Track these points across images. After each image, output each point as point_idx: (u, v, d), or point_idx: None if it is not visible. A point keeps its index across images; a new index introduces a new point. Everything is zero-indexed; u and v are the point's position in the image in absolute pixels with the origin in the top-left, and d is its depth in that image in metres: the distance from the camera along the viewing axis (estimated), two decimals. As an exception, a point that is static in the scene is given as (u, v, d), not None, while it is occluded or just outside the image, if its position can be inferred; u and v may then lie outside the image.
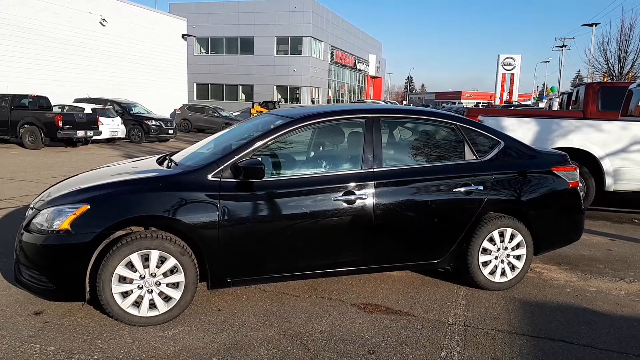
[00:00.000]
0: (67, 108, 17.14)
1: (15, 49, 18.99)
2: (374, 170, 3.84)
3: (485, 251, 4.11)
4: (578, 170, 4.52)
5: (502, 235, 4.14)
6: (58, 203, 3.36)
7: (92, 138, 16.15)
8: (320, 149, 4.56)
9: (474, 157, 4.14)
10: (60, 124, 14.67)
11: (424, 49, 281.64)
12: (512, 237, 4.17)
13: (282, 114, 4.22)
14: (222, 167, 3.53)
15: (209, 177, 3.50)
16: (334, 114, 4.05)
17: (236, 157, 3.57)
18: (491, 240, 4.11)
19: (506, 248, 4.17)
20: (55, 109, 16.54)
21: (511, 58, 54.46)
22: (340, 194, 3.70)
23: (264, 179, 3.55)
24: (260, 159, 3.57)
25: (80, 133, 15.37)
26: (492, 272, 4.16)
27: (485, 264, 4.13)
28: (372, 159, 3.86)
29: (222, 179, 3.51)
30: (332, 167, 4.04)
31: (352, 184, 3.75)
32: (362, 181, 3.78)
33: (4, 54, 18.63)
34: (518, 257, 4.21)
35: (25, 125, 14.73)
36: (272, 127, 3.86)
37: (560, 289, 4.29)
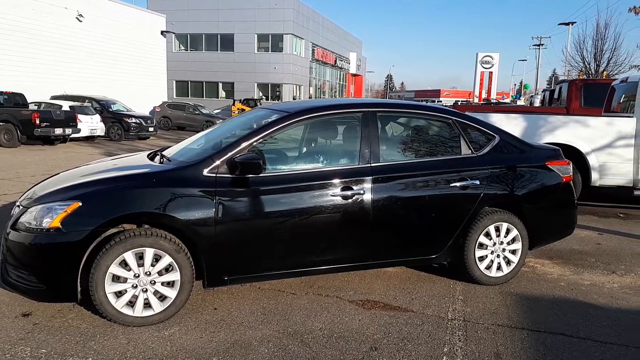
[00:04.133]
0: (43, 105, 16.72)
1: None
2: (371, 165, 3.79)
3: (482, 246, 4.10)
4: (572, 165, 4.55)
5: (497, 229, 4.14)
6: (47, 200, 3.22)
7: (71, 136, 15.79)
8: (317, 144, 4.50)
9: (470, 152, 4.13)
10: (38, 122, 14.29)
11: (404, 48, 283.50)
12: (507, 231, 4.17)
13: (277, 108, 4.13)
14: (218, 162, 3.44)
15: (205, 172, 3.40)
16: (330, 108, 3.99)
17: (232, 152, 3.48)
18: (487, 235, 4.11)
19: (502, 243, 4.17)
20: (32, 106, 16.10)
21: (489, 56, 55.09)
22: (338, 190, 3.64)
23: (260, 175, 3.47)
24: (257, 154, 3.49)
25: (59, 131, 14.99)
26: (489, 267, 4.16)
27: (482, 258, 4.12)
28: (369, 153, 3.81)
29: (218, 175, 3.41)
30: (329, 162, 3.97)
31: (349, 179, 3.69)
32: (359, 176, 3.73)
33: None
34: (514, 252, 4.22)
35: (1, 123, 14.30)
36: (267, 121, 3.78)
37: (554, 283, 4.31)
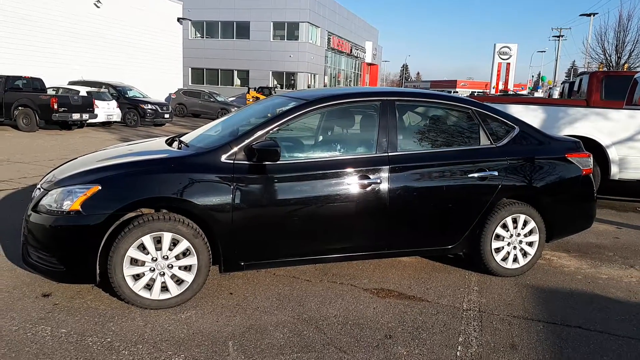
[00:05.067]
0: (61, 90, 16.85)
1: (7, 30, 18.61)
2: (389, 154, 3.77)
3: (498, 237, 4.08)
4: (592, 158, 4.48)
5: (515, 221, 4.11)
6: (67, 183, 3.27)
7: (88, 121, 15.93)
8: (334, 132, 4.48)
9: (489, 143, 4.09)
10: (56, 107, 14.43)
11: (421, 38, 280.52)
12: (525, 223, 4.13)
13: (295, 95, 4.13)
14: (236, 148, 3.45)
15: (223, 158, 3.42)
16: (349, 97, 3.97)
17: (250, 139, 3.49)
18: (504, 226, 4.08)
19: (519, 234, 4.14)
20: (50, 92, 16.26)
21: (507, 47, 54.25)
22: (354, 178, 3.63)
23: (277, 162, 3.47)
24: (274, 141, 3.49)
25: (76, 116, 15.13)
26: (505, 259, 4.13)
27: (498, 250, 4.09)
28: (386, 143, 3.79)
29: (235, 161, 3.42)
30: (346, 150, 3.96)
31: (366, 168, 3.68)
32: (377, 165, 3.71)
33: (-4, 35, 18.28)
34: (530, 244, 4.18)
35: (20, 107, 14.46)
36: (285, 109, 3.77)
37: (571, 276, 4.27)
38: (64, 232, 3.14)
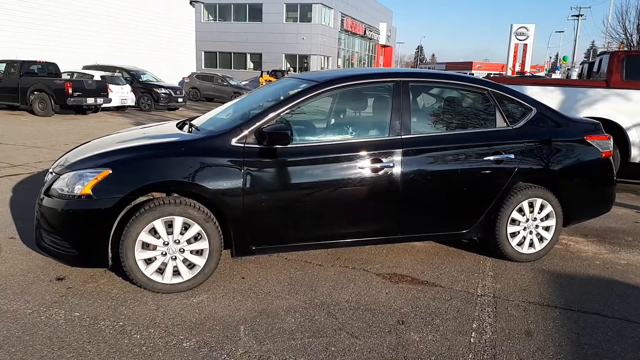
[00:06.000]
0: (75, 75, 16.92)
1: (22, 15, 18.69)
2: (402, 137, 3.69)
3: (514, 222, 4.00)
4: (612, 140, 4.35)
5: (531, 205, 4.02)
6: (78, 167, 3.26)
7: (102, 105, 16.01)
8: (346, 115, 4.41)
9: (505, 125, 3.98)
10: (70, 91, 14.53)
11: (436, 19, 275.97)
12: (541, 207, 4.04)
13: (306, 77, 4.05)
14: (246, 132, 3.41)
15: (233, 142, 3.37)
16: (361, 78, 3.88)
17: (261, 122, 3.43)
18: (520, 210, 3.99)
19: (535, 219, 4.05)
20: (64, 76, 16.35)
21: (524, 28, 53.07)
22: (367, 162, 3.57)
23: (288, 145, 3.42)
24: (285, 124, 3.43)
25: (90, 100, 15.22)
26: (520, 244, 4.05)
27: (514, 234, 4.02)
28: (399, 125, 3.71)
29: (246, 145, 3.38)
30: (358, 133, 3.90)
31: (379, 152, 3.61)
32: (389, 148, 3.64)
33: (10, 20, 18.34)
34: (547, 228, 4.10)
35: (35, 92, 14.58)
36: (296, 91, 3.70)
37: (589, 262, 4.19)
38: (76, 216, 3.14)
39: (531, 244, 4.08)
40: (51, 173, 3.49)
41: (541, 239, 4.10)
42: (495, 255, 4.13)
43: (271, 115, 3.48)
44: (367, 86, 3.94)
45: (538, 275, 3.85)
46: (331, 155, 3.53)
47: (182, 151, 3.33)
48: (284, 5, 40.02)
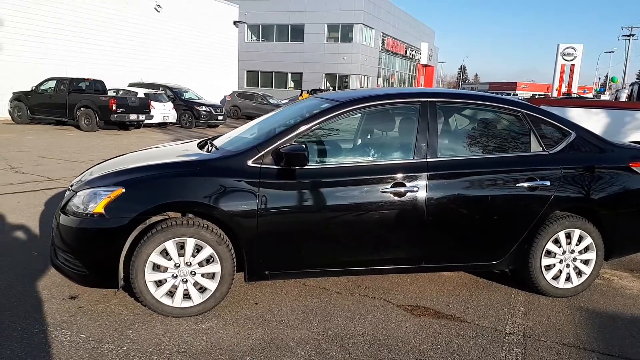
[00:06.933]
0: (121, 92, 17.51)
1: (73, 33, 19.57)
2: (428, 160, 3.50)
3: (549, 254, 3.71)
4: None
5: (568, 236, 3.73)
6: (95, 185, 3.24)
7: (144, 122, 16.44)
8: (369, 136, 4.26)
9: (541, 149, 3.73)
10: (114, 108, 14.98)
11: (479, 38, 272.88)
12: (580, 239, 3.74)
13: (329, 97, 3.94)
14: (263, 152, 3.30)
15: (249, 162, 3.28)
16: (385, 98, 3.73)
17: (278, 143, 3.33)
18: (556, 241, 3.71)
19: (573, 251, 3.75)
20: (110, 93, 16.92)
21: (572, 48, 51.54)
22: (389, 186, 3.39)
23: (307, 167, 3.29)
24: (304, 145, 3.31)
25: (133, 117, 15.65)
26: (556, 277, 3.75)
27: (549, 267, 3.73)
28: (425, 147, 3.53)
29: (262, 165, 3.28)
30: (381, 155, 3.74)
31: (403, 175, 3.43)
32: (414, 172, 3.46)
33: (64, 38, 19.23)
34: (586, 262, 3.78)
35: (82, 108, 15.12)
36: (317, 111, 3.59)
37: (634, 300, 3.83)
38: (88, 235, 3.10)
39: (568, 278, 3.77)
40: (70, 189, 3.49)
41: (579, 273, 3.79)
42: (528, 289, 3.84)
43: (290, 135, 3.37)
44: (391, 107, 3.79)
45: (575, 313, 3.54)
46: (352, 178, 3.38)
47: (197, 171, 3.26)
48: (326, 25, 40.42)
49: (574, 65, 51.92)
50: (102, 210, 3.05)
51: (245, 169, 3.26)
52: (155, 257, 3.11)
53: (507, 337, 3.14)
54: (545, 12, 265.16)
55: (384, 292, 3.76)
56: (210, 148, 3.77)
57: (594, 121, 6.48)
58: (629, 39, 43.39)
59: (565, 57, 51.89)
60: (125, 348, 2.79)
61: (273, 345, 2.91)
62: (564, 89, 49.18)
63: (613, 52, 60.05)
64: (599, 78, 70.29)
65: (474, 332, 3.19)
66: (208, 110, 19.41)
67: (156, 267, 3.14)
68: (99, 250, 3.10)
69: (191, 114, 19.20)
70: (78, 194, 3.25)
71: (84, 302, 3.34)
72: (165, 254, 3.14)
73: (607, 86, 55.21)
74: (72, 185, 3.54)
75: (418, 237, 3.51)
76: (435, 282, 4.00)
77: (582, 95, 45.81)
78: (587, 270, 3.79)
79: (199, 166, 3.32)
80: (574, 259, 3.76)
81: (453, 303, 3.62)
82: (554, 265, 3.74)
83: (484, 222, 3.58)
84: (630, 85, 20.44)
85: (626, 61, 43.19)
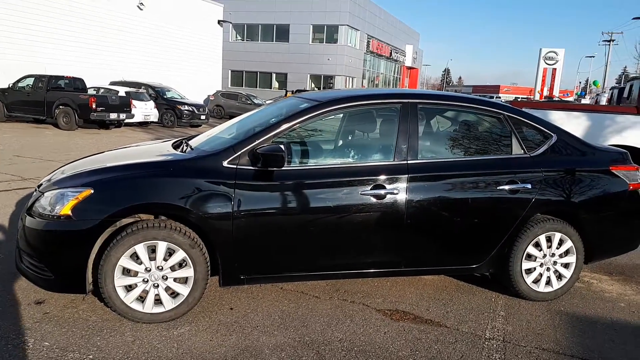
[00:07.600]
0: (101, 90, 17.21)
1: (55, 31, 19.19)
2: (408, 162, 3.44)
3: (530, 257, 3.67)
4: (640, 171, 4.00)
5: (549, 240, 3.69)
6: (62, 185, 3.10)
7: (125, 121, 16.16)
8: (350, 137, 4.18)
9: (522, 152, 3.69)
10: (94, 106, 14.68)
11: (463, 42, 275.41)
12: (560, 242, 3.71)
13: (309, 97, 3.85)
14: (239, 153, 3.20)
15: (225, 163, 3.17)
16: (365, 98, 3.66)
17: (255, 143, 3.23)
18: (537, 245, 3.67)
19: (553, 255, 3.72)
20: (90, 91, 16.61)
21: (554, 52, 52.23)
22: (369, 188, 3.32)
23: (285, 168, 3.20)
24: (282, 145, 3.21)
25: (113, 115, 15.37)
26: (536, 281, 3.72)
27: (529, 271, 3.69)
28: (406, 149, 3.46)
29: (238, 166, 3.17)
30: (360, 157, 3.67)
31: (383, 177, 3.36)
32: (394, 174, 3.39)
33: (44, 35, 18.84)
34: (566, 265, 3.76)
35: (60, 106, 14.79)
36: (296, 111, 3.50)
37: (613, 303, 3.82)
38: (54, 238, 2.96)
39: (548, 282, 3.74)
40: (36, 190, 3.34)
41: (560, 276, 3.76)
42: (508, 292, 3.80)
43: (267, 135, 3.28)
44: (371, 107, 3.72)
45: (555, 317, 3.50)
46: (331, 180, 3.30)
47: (170, 172, 3.14)
48: (311, 26, 40.36)
49: (555, 69, 52.60)
50: (69, 212, 2.92)
51: (220, 169, 3.15)
52: (125, 261, 2.99)
53: (486, 343, 3.08)
54: (529, 17, 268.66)
55: (363, 296, 3.68)
56: (185, 148, 3.65)
57: (575, 124, 6.50)
58: (609, 44, 44.08)
59: (548, 61, 52.55)
60: (91, 357, 2.67)
61: (247, 352, 2.81)
62: (545, 93, 49.82)
63: (594, 56, 60.99)
64: (580, 82, 71.34)
65: (454, 338, 3.12)
66: (190, 109, 19.17)
67: (126, 272, 3.02)
68: (65, 254, 2.97)
69: (173, 113, 18.93)
70: (45, 194, 3.11)
71: (50, 307, 3.20)
72: (135, 257, 3.02)
73: (588, 90, 56.10)
74: (39, 186, 3.39)
75: (398, 240, 3.44)
76: (415, 285, 3.93)
77: (563, 98, 46.44)
78: (568, 273, 3.76)
79: (172, 166, 3.20)
80: (555, 263, 3.73)
81: (433, 307, 3.56)
82: (535, 268, 3.70)
83: (464, 225, 3.53)
84: (610, 89, 20.74)
85: (606, 66, 43.92)
